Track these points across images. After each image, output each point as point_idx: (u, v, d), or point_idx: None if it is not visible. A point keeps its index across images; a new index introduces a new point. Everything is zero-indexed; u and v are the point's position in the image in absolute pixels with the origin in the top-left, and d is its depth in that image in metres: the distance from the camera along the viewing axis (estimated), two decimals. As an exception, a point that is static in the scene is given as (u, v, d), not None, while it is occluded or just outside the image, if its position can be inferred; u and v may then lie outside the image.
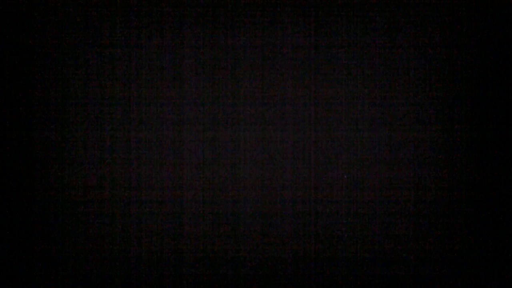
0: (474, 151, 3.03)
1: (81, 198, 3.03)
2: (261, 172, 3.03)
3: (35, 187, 3.02)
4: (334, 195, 3.03)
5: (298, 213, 3.03)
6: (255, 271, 3.04)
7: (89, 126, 3.04)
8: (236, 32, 3.05)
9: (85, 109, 3.04)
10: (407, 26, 3.05)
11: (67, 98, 3.04)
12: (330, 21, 3.05)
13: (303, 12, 3.05)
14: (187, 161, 3.04)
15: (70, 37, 3.04)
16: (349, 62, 3.05)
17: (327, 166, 3.04)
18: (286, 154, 3.04)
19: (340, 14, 3.05)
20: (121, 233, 3.03)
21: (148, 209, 3.03)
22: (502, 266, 3.02)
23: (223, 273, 3.04)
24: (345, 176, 3.02)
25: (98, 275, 3.03)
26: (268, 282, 3.04)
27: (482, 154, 3.03)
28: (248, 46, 3.05)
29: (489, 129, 3.02)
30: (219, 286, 3.04)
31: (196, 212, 3.03)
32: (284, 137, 3.04)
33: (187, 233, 3.04)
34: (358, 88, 3.05)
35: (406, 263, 3.03)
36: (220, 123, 3.04)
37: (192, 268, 3.04)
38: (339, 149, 3.04)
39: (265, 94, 3.04)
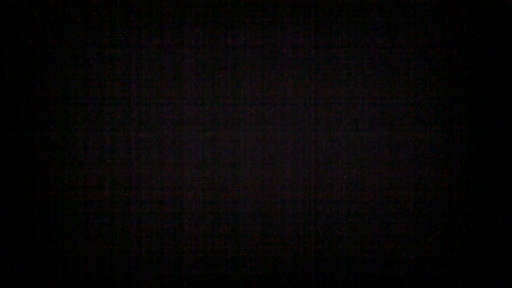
0: (474, 151, 3.03)
1: (81, 198, 3.03)
2: (261, 172, 3.03)
3: (35, 187, 3.02)
4: (334, 195, 3.03)
5: (298, 213, 3.03)
6: (255, 271, 3.04)
7: (89, 126, 3.03)
8: (236, 32, 3.05)
9: (85, 109, 3.04)
10: (407, 26, 3.05)
11: (67, 98, 3.04)
12: (330, 21, 3.05)
13: (303, 12, 3.05)
14: (187, 161, 3.03)
15: (70, 37, 3.04)
16: (349, 62, 3.05)
17: (327, 166, 3.04)
18: (286, 154, 3.04)
19: (340, 14, 3.05)
20: (121, 233, 3.03)
21: (148, 209, 3.03)
22: (502, 266, 3.02)
23: (223, 273, 3.04)
24: (345, 176, 3.02)
25: (98, 275, 3.03)
26: (268, 282, 3.04)
27: (482, 154, 3.03)
28: (248, 46, 3.05)
29: (489, 129, 3.02)
30: (219, 286, 3.04)
31: (196, 212, 3.03)
32: (284, 137, 3.04)
33: (187, 233, 3.04)
34: (358, 88, 3.05)
35: (406, 263, 3.03)
36: (220, 123, 3.04)
37: (192, 268, 3.04)
38: (339, 149, 3.04)
39: (265, 94, 3.04)
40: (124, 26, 3.05)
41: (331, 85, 3.04)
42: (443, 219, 3.03)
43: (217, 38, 3.05)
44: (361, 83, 3.05)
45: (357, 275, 3.04)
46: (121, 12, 3.05)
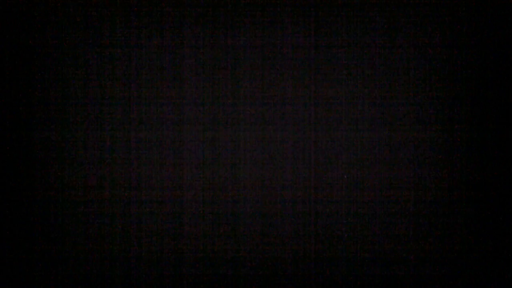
0: (474, 151, 3.03)
1: (81, 198, 3.02)
2: (261, 172, 3.03)
3: (35, 187, 3.02)
4: (334, 195, 3.03)
5: (298, 213, 3.03)
6: (255, 271, 3.04)
7: (89, 126, 3.03)
8: (236, 32, 3.05)
9: (85, 109, 3.04)
10: (407, 26, 3.05)
11: (67, 98, 3.04)
12: (330, 21, 3.05)
13: (303, 12, 3.05)
14: (187, 161, 3.03)
15: (70, 37, 3.04)
16: (349, 62, 3.05)
17: (327, 166, 3.04)
18: (286, 154, 3.04)
19: (340, 14, 3.05)
20: (121, 233, 3.03)
21: (148, 209, 3.03)
22: (502, 266, 3.02)
23: (223, 273, 3.04)
24: (345, 176, 3.02)
25: (98, 275, 3.03)
26: (268, 282, 3.04)
27: (482, 154, 3.03)
28: (248, 46, 3.05)
29: (489, 129, 3.02)
30: (219, 286, 3.04)
31: (196, 212, 3.03)
32: (284, 137, 3.04)
33: (187, 233, 3.03)
34: (358, 88, 3.05)
35: (406, 263, 3.03)
36: (220, 123, 3.04)
37: (192, 268, 3.04)
38: (339, 149, 3.04)
39: (265, 94, 3.04)
40: (124, 26, 3.05)
41: (331, 85, 3.04)
42: (443, 219, 3.03)
43: (217, 38, 3.05)
44: (361, 83, 3.05)
45: (357, 275, 3.04)
46: (121, 12, 3.05)
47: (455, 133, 3.04)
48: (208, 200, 3.03)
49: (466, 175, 3.03)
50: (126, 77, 3.04)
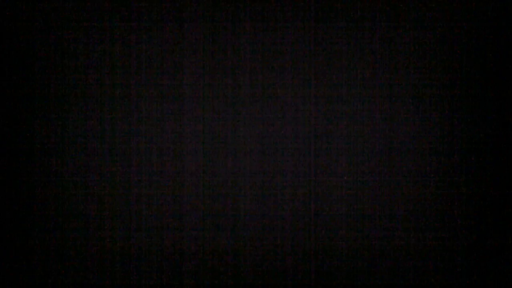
0: (474, 151, 3.03)
1: (81, 198, 3.03)
2: (261, 172, 3.03)
3: (35, 187, 3.02)
4: (334, 195, 3.03)
5: (298, 213, 3.03)
6: (255, 271, 3.04)
7: (89, 126, 3.04)
8: (236, 31, 3.05)
9: (85, 109, 3.04)
10: (407, 26, 3.05)
11: (67, 98, 3.04)
12: (330, 21, 3.05)
13: (303, 11, 3.05)
14: (187, 161, 3.04)
15: (70, 37, 3.04)
16: (349, 62, 3.05)
17: (327, 166, 3.04)
18: (286, 154, 3.04)
19: (340, 13, 3.05)
20: (121, 232, 3.03)
21: (148, 209, 3.03)
22: (502, 266, 3.02)
23: (223, 273, 3.04)
24: (345, 177, 3.02)
25: (98, 275, 3.03)
26: (268, 282, 3.04)
27: (482, 154, 3.03)
28: (248, 45, 3.05)
29: (489, 129, 3.02)
30: (219, 285, 3.04)
31: (196, 212, 3.03)
32: (284, 135, 3.04)
33: (187, 233, 3.04)
34: (358, 88, 3.05)
35: (406, 262, 3.03)
36: (220, 122, 3.04)
37: (192, 268, 3.04)
38: (339, 149, 3.04)
39: (265, 93, 3.04)
40: (124, 26, 3.05)
41: (331, 84, 3.04)
42: (443, 219, 3.03)
43: (217, 38, 3.05)
44: (361, 83, 3.05)
45: (357, 275, 3.04)
46: (121, 12, 3.05)
47: (455, 134, 3.04)
48: (208, 200, 3.03)
49: (466, 175, 3.03)
50: (126, 77, 3.04)
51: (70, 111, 3.04)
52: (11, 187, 3.01)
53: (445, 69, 3.05)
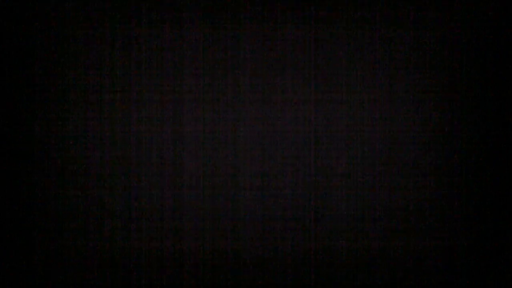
0: (474, 151, 3.03)
1: (81, 198, 3.03)
2: (261, 172, 3.03)
3: (35, 187, 3.02)
4: (334, 195, 3.03)
5: (298, 213, 3.03)
6: (255, 271, 3.04)
7: (89, 126, 3.04)
8: (236, 30, 3.05)
9: (85, 109, 3.04)
10: (407, 26, 3.05)
11: (67, 98, 3.04)
12: (330, 21, 3.05)
13: (303, 9, 3.05)
14: (187, 161, 3.04)
15: (70, 37, 3.04)
16: (349, 61, 3.05)
17: (327, 167, 3.04)
18: (286, 154, 3.04)
19: (340, 12, 3.05)
20: (121, 232, 3.03)
21: (148, 209, 3.03)
22: (502, 266, 3.02)
23: (223, 273, 3.04)
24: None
25: (98, 275, 3.03)
26: (268, 282, 3.04)
27: (482, 154, 3.03)
28: (248, 46, 3.05)
29: (489, 129, 3.02)
30: (219, 285, 3.04)
31: (196, 212, 3.04)
32: (284, 135, 3.04)
33: (187, 233, 3.04)
34: (358, 88, 3.05)
35: (406, 262, 3.03)
36: (220, 122, 3.04)
37: (192, 268, 3.04)
38: (339, 149, 3.04)
39: (265, 92, 3.04)
40: (124, 26, 3.05)
41: (331, 83, 3.05)
42: (443, 219, 3.03)
43: (217, 37, 3.05)
44: (361, 83, 3.05)
45: (357, 275, 3.04)
46: (121, 12, 3.05)
47: (455, 133, 3.04)
48: (208, 200, 3.04)
49: (466, 175, 3.03)
50: (126, 77, 3.04)
51: (70, 111, 3.04)
52: (11, 187, 3.01)
53: (445, 69, 3.05)
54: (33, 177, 3.02)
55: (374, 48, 3.05)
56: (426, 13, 3.05)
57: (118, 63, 3.04)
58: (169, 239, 3.04)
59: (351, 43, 3.05)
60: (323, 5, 3.05)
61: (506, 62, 3.03)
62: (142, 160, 3.03)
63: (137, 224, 3.03)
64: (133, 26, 3.05)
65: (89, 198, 3.03)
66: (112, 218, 3.03)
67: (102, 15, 3.05)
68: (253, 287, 3.04)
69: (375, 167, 3.03)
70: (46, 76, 3.03)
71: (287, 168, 3.03)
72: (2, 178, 3.01)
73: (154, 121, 3.04)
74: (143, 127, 3.04)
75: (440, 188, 3.03)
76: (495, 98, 3.03)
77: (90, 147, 3.03)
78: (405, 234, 3.04)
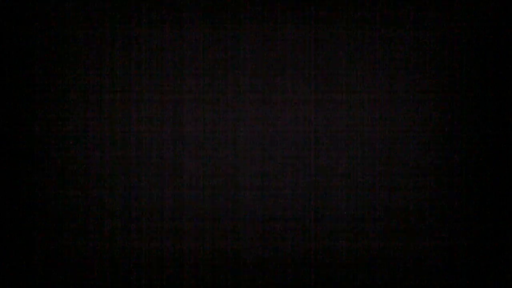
0: (474, 151, 3.03)
1: (81, 198, 3.03)
2: (261, 172, 3.03)
3: (35, 187, 3.02)
4: (334, 195, 3.03)
5: (298, 213, 3.03)
6: (255, 271, 3.04)
7: (89, 126, 3.04)
8: (236, 30, 3.05)
9: (85, 109, 3.04)
10: (407, 26, 3.05)
11: (67, 98, 3.04)
12: (330, 21, 3.05)
13: (303, 8, 3.05)
14: (187, 161, 3.04)
15: (70, 37, 3.04)
16: (349, 62, 3.05)
17: (327, 167, 3.04)
18: (286, 154, 3.04)
19: (340, 14, 3.05)
20: (121, 232, 3.03)
21: (148, 209, 3.03)
22: (502, 266, 3.02)
23: (223, 273, 3.04)
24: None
25: (98, 275, 3.03)
26: (268, 282, 3.04)
27: (482, 154, 3.03)
28: (248, 46, 3.05)
29: (489, 129, 3.02)
30: (219, 285, 3.04)
31: (196, 212, 3.04)
32: (284, 135, 3.04)
33: (187, 233, 3.04)
34: (358, 88, 3.05)
35: (406, 262, 3.03)
36: (220, 121, 3.04)
37: (192, 268, 3.04)
38: (339, 149, 3.04)
39: (266, 92, 3.04)
40: (124, 25, 3.05)
41: (331, 83, 3.04)
42: (443, 219, 3.03)
43: (217, 37, 3.05)
44: (361, 83, 3.05)
45: (357, 275, 3.04)
46: (121, 12, 3.05)
47: (455, 133, 3.04)
48: (208, 200, 3.04)
49: (466, 175, 3.03)
50: (126, 77, 3.04)
51: (70, 111, 3.04)
52: (11, 187, 3.01)
53: (445, 69, 3.05)
54: (33, 177, 3.02)
55: (374, 48, 3.05)
56: (426, 13, 3.05)
57: (118, 63, 3.04)
58: (169, 239, 3.04)
59: (351, 43, 3.05)
60: (323, 5, 3.05)
61: (506, 62, 3.03)
62: (142, 160, 3.03)
63: (137, 224, 3.03)
64: (133, 26, 3.05)
65: (89, 198, 3.03)
66: (112, 218, 3.03)
67: (102, 15, 3.05)
68: (253, 287, 3.04)
69: (375, 167, 3.03)
70: (46, 76, 3.03)
71: (287, 168, 3.03)
72: (2, 178, 3.01)
73: (154, 121, 3.04)
74: (143, 127, 3.04)
75: (440, 188, 3.03)
76: (495, 98, 3.03)
77: (90, 147, 3.03)
78: (405, 234, 3.04)
